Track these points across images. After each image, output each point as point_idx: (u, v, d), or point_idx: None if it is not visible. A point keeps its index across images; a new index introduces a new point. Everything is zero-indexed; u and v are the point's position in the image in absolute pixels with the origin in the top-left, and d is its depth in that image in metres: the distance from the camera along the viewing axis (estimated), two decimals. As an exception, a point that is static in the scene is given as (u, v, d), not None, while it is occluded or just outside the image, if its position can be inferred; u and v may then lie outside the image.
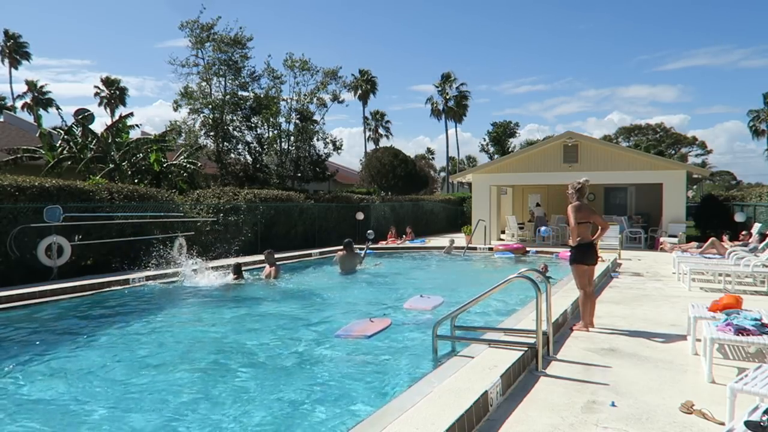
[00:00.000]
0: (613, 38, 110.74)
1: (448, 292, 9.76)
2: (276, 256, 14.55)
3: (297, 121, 26.33)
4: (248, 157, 25.76)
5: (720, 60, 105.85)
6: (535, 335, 4.85)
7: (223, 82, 24.53)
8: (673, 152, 53.99)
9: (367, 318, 7.13)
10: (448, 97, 59.32)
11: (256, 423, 4.07)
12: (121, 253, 11.66)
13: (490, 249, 17.08)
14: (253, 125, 25.47)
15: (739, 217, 16.12)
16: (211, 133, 24.33)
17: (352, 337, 6.33)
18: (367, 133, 62.91)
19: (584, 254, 6.43)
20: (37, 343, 6.47)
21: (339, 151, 28.16)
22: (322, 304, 9.02)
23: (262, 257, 14.18)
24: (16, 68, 54.32)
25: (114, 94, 56.49)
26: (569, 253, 6.58)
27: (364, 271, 12.88)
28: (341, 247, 12.74)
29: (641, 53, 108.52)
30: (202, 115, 24.18)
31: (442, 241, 19.22)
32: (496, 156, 49.93)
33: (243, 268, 11.41)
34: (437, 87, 59.59)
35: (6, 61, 53.27)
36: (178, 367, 5.50)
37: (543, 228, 18.93)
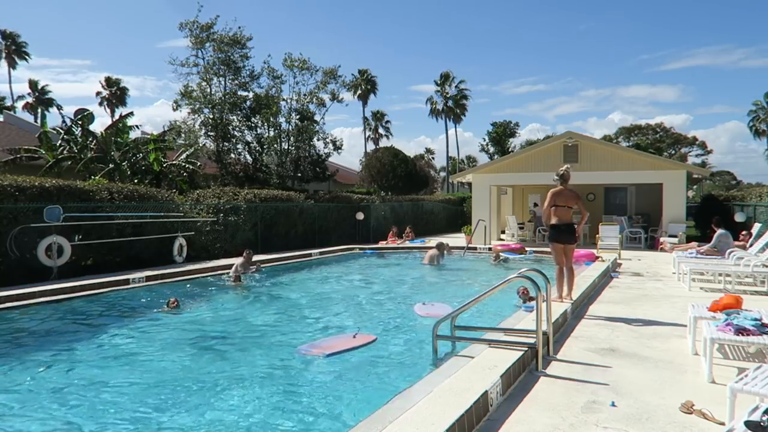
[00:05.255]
0: (614, 38, 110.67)
1: (450, 290, 9.76)
2: (276, 256, 14.64)
3: (297, 121, 26.33)
4: (248, 157, 25.77)
5: (721, 60, 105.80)
6: (535, 335, 4.85)
7: (222, 82, 24.56)
8: (672, 152, 53.98)
9: (349, 334, 6.45)
10: (447, 96, 59.32)
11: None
12: (122, 253, 11.66)
13: (490, 249, 17.07)
14: (253, 125, 25.48)
15: (739, 217, 16.11)
16: (211, 133, 24.34)
17: (311, 354, 5.79)
18: (367, 133, 62.95)
19: (560, 233, 7.06)
20: (37, 343, 6.47)
21: (339, 151, 28.17)
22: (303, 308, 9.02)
23: (262, 257, 14.21)
24: (15, 68, 54.41)
25: (114, 94, 56.55)
26: (548, 234, 7.22)
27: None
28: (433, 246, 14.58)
29: (642, 53, 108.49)
30: (202, 115, 24.20)
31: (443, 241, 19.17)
32: (496, 156, 49.93)
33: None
34: (437, 83, 59.58)
35: (4, 61, 53.30)
36: (175, 368, 5.50)
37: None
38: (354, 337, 6.30)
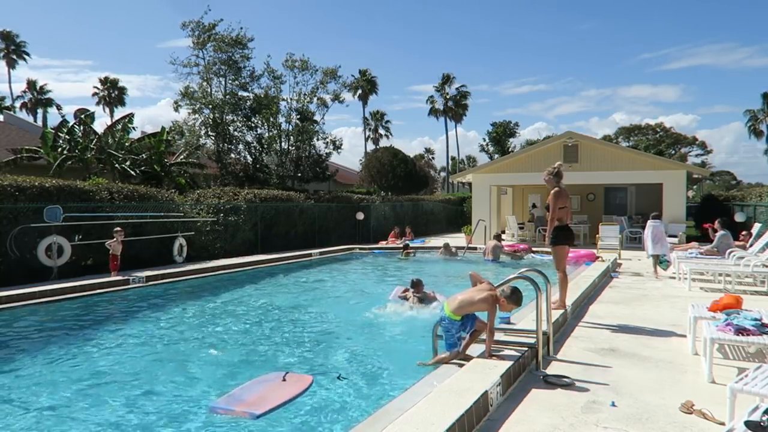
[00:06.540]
0: (615, 38, 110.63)
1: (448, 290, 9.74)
2: (276, 256, 14.64)
3: (297, 121, 26.34)
4: (248, 157, 25.77)
5: (723, 59, 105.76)
6: (535, 335, 4.85)
7: (223, 82, 24.57)
8: (672, 152, 53.89)
9: (278, 374, 4.81)
10: (447, 97, 59.41)
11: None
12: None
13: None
14: (253, 125, 25.49)
15: (739, 217, 16.12)
16: (212, 133, 24.35)
17: (233, 414, 4.13)
18: (367, 133, 62.94)
19: (566, 236, 6.76)
20: (37, 343, 6.48)
21: (339, 151, 28.19)
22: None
23: (262, 257, 14.24)
24: (14, 68, 54.45)
25: (112, 93, 56.47)
26: (551, 237, 6.79)
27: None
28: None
29: (643, 52, 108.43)
30: (202, 115, 24.21)
31: (443, 241, 19.20)
32: (495, 156, 49.91)
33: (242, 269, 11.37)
34: (437, 88, 59.86)
35: (3, 60, 53.29)
36: (173, 367, 5.50)
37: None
38: (284, 380, 4.65)
